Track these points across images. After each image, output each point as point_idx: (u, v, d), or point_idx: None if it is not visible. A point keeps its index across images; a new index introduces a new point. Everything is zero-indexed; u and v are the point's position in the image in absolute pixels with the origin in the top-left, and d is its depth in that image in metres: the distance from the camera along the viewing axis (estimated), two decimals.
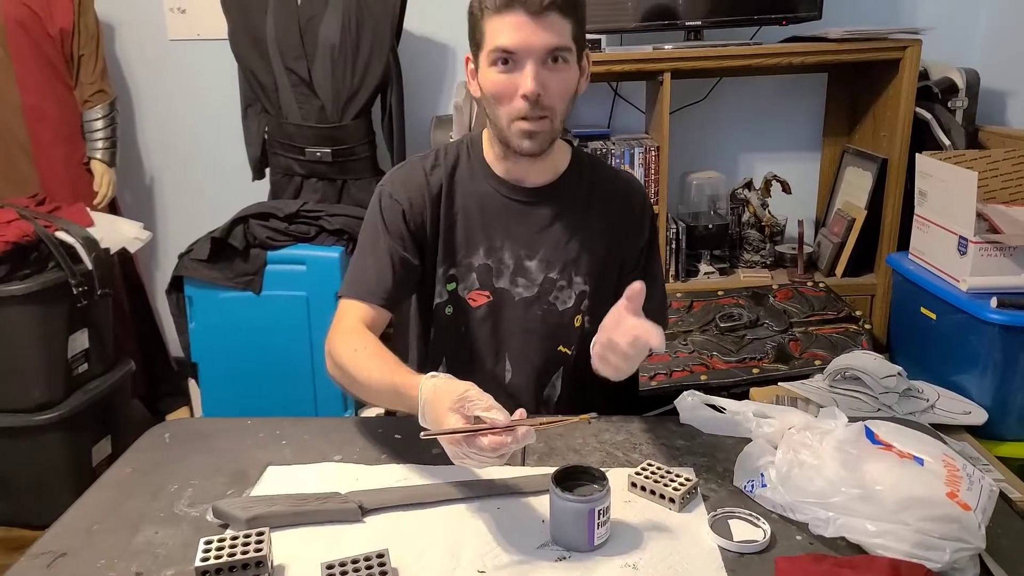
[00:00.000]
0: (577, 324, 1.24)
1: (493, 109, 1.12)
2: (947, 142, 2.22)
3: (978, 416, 1.73)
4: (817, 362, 1.95)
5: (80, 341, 2.12)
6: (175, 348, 2.57)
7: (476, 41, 1.12)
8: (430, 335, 1.27)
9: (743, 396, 1.90)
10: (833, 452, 0.93)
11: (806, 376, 1.90)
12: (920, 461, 0.92)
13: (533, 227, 1.22)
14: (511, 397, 1.23)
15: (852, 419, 1.00)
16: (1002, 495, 0.94)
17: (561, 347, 1.25)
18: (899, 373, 1.68)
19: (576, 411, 1.12)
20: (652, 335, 0.90)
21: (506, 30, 1.05)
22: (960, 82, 2.28)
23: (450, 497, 0.98)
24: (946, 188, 1.90)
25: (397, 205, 1.20)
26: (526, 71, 1.07)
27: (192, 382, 2.45)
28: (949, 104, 2.29)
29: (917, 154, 2.02)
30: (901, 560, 0.81)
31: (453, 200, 1.22)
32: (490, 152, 1.22)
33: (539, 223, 1.22)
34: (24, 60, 2.31)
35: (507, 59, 1.07)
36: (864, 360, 1.72)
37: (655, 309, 1.32)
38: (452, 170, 1.23)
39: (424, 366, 1.30)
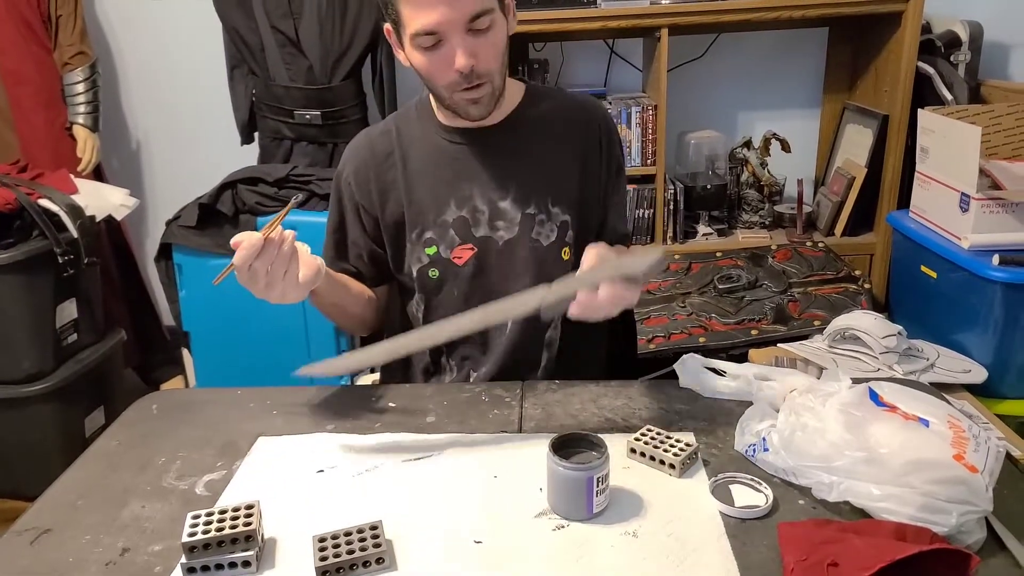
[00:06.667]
0: (566, 257, 1.20)
1: (430, 83, 1.11)
2: (949, 97, 2.18)
3: (978, 374, 1.71)
4: (816, 323, 1.93)
5: (68, 311, 2.09)
6: (167, 317, 2.54)
7: (392, 19, 1.07)
8: (420, 303, 1.23)
9: (742, 358, 1.88)
10: (836, 414, 0.90)
11: (805, 337, 1.88)
12: (925, 423, 0.89)
13: (497, 166, 1.18)
14: (514, 343, 1.20)
15: (856, 381, 0.98)
16: (1008, 456, 0.93)
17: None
18: (899, 333, 1.66)
19: (580, 353, 1.21)
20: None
21: (420, 11, 1.01)
22: (963, 35, 2.23)
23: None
24: (948, 144, 1.86)
25: (348, 185, 1.22)
26: (452, 44, 1.03)
27: (185, 351, 2.43)
28: (952, 58, 2.24)
29: (919, 110, 1.98)
30: (907, 524, 0.79)
31: (407, 163, 1.19)
32: (439, 110, 1.19)
33: (503, 161, 1.18)
34: None
35: (431, 40, 1.03)
36: (864, 320, 1.69)
37: (621, 232, 1.29)
38: (402, 133, 1.21)
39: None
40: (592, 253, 0.98)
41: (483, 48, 1.05)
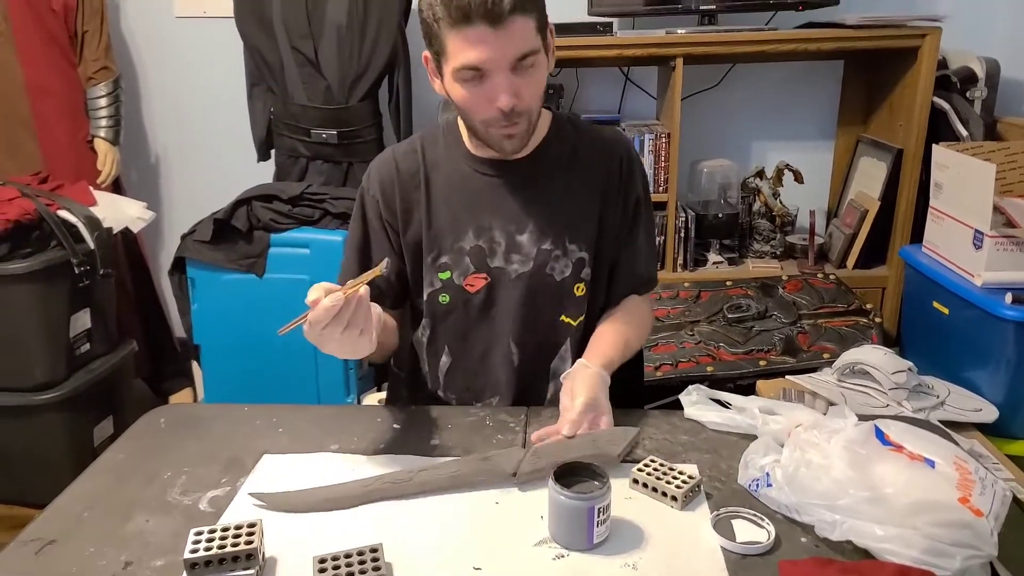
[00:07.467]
0: (579, 293, 1.20)
1: (466, 116, 1.11)
2: (965, 133, 2.18)
3: (989, 414, 1.70)
4: (826, 355, 1.92)
5: (82, 321, 2.11)
6: (179, 329, 2.56)
7: (435, 49, 1.06)
8: (427, 328, 1.24)
9: (750, 388, 1.88)
10: (841, 452, 0.90)
11: (814, 369, 1.87)
12: (931, 463, 0.89)
13: (519, 200, 1.18)
14: (520, 375, 1.21)
15: (862, 418, 0.98)
16: (1014, 499, 0.92)
17: (564, 317, 1.20)
18: (909, 368, 1.65)
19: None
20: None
21: (469, 46, 1.00)
22: (980, 71, 2.23)
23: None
24: (963, 180, 1.86)
25: (374, 201, 1.21)
26: (496, 82, 1.03)
27: (195, 364, 2.44)
28: (968, 94, 2.24)
29: (934, 145, 1.98)
30: (910, 566, 0.79)
31: (430, 185, 1.19)
32: (468, 138, 1.20)
33: (525, 195, 1.18)
34: (27, 36, 2.28)
35: (475, 75, 1.03)
36: (874, 355, 1.69)
37: (640, 275, 1.28)
38: (428, 154, 1.21)
39: (427, 360, 1.26)
40: (584, 398, 1.03)
41: (526, 87, 1.05)
